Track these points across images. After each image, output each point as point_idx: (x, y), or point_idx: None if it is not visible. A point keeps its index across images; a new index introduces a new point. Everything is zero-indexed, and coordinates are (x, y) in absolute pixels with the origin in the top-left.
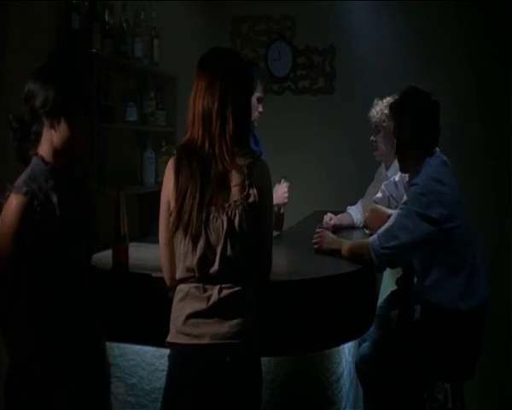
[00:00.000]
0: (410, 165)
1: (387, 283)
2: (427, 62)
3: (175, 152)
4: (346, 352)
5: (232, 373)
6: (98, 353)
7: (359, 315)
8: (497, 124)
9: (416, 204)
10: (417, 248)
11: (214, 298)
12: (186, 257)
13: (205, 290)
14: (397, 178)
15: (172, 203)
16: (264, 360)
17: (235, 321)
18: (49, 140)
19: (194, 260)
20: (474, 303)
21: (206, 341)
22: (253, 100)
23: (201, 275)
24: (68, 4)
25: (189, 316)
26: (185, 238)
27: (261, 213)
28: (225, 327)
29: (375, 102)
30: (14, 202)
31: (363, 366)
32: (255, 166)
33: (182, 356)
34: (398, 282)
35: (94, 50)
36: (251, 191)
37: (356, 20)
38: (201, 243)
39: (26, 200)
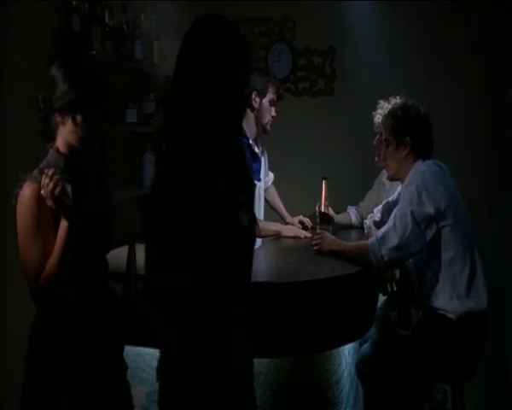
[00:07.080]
0: (395, 167)
1: None
2: (428, 63)
3: None
4: (346, 353)
5: None
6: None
7: (359, 317)
8: (497, 124)
9: (411, 203)
10: (416, 249)
11: None
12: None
13: None
14: (395, 197)
15: None
16: (264, 361)
17: None
18: (63, 133)
19: None
20: (475, 306)
21: None
22: (265, 102)
23: None
24: (68, 6)
25: None
26: None
27: None
28: None
29: (380, 104)
30: (27, 190)
31: (363, 366)
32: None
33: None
34: (398, 283)
35: (94, 52)
36: None
37: (356, 22)
38: None
39: (39, 187)
